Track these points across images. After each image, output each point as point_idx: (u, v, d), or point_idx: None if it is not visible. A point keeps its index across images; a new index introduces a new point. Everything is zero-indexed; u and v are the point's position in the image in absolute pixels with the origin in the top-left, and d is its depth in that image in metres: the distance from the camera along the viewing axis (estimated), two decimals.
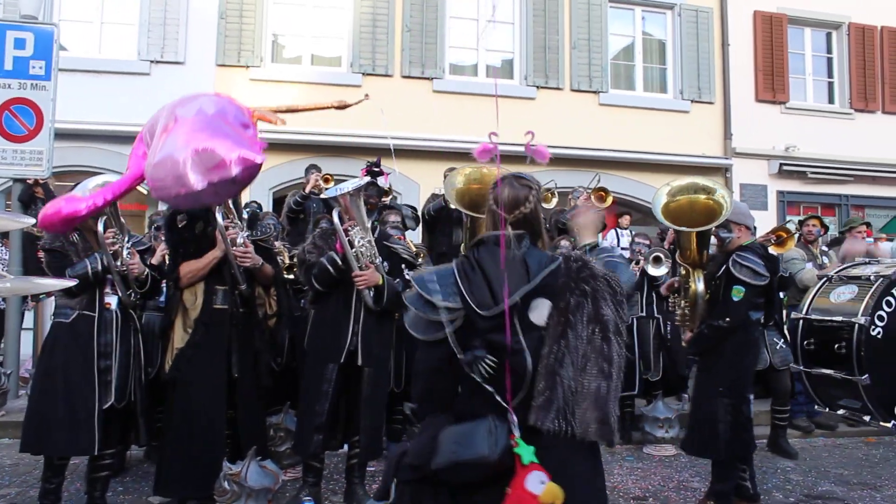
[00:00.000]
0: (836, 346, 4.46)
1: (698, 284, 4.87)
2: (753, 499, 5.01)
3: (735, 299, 4.70)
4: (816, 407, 5.24)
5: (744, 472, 4.97)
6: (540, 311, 2.33)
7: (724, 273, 4.80)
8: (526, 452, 2.20)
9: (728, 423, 4.66)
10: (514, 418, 2.26)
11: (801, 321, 4.85)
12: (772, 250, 6.89)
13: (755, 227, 7.51)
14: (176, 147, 3.13)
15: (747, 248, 4.88)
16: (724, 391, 4.70)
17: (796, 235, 7.40)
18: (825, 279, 5.03)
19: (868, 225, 8.40)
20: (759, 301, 4.94)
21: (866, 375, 4.23)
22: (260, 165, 2.91)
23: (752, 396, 4.98)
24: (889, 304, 4.36)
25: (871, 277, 4.54)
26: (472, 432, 2.24)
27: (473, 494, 2.28)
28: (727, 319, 4.70)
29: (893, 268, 4.59)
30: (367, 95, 3.45)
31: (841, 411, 4.80)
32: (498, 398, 2.26)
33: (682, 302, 5.06)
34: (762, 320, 5.16)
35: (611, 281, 2.38)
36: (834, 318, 4.60)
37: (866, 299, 4.40)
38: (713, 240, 5.05)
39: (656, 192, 4.92)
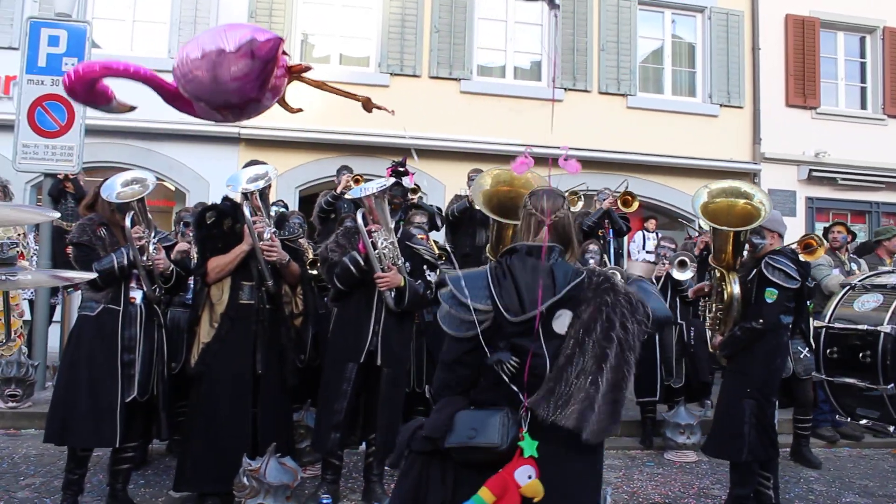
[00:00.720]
0: (861, 354, 4.40)
1: (734, 287, 4.87)
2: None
3: (768, 301, 4.71)
4: (838, 417, 5.15)
5: (767, 479, 4.92)
6: (562, 321, 2.50)
7: (755, 276, 4.81)
8: (528, 447, 2.42)
9: (752, 425, 4.65)
10: (527, 414, 2.46)
11: (824, 329, 4.80)
12: (801, 258, 6.82)
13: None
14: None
15: (780, 252, 4.90)
16: (752, 392, 4.70)
17: (826, 244, 7.30)
18: (848, 287, 4.98)
19: None
20: (790, 305, 4.93)
21: (892, 385, 4.17)
22: (279, 40, 2.82)
23: (776, 401, 4.96)
24: None
25: None
26: (487, 420, 2.45)
27: (475, 474, 2.46)
28: (760, 321, 4.71)
29: None
30: (393, 112, 3.43)
31: (863, 421, 4.72)
32: (519, 395, 2.46)
33: (714, 305, 5.06)
34: (791, 325, 5.13)
35: (632, 298, 2.53)
36: (858, 327, 4.54)
37: (892, 308, 4.34)
38: (746, 245, 5.05)
39: (697, 190, 4.96)
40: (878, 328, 4.31)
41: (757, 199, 4.72)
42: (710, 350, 5.62)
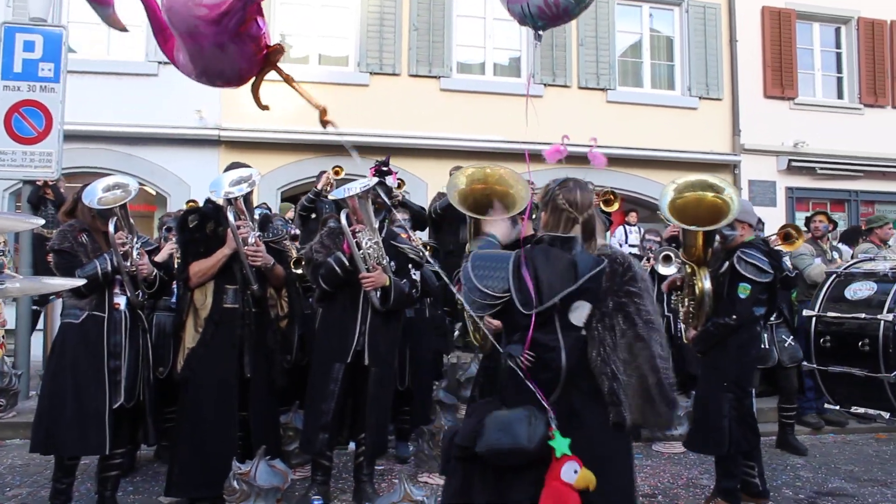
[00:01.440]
0: (860, 343, 4.40)
1: (705, 282, 4.84)
2: (762, 495, 4.99)
3: (742, 297, 4.69)
4: (827, 405, 5.16)
5: (752, 468, 4.96)
6: (580, 313, 2.51)
7: (727, 270, 4.79)
8: (560, 445, 2.38)
9: (732, 418, 4.66)
10: (552, 411, 2.45)
11: (814, 318, 4.79)
12: (780, 248, 6.86)
13: (763, 225, 7.51)
14: None
15: (751, 244, 4.86)
16: (728, 386, 4.71)
17: (805, 233, 7.35)
18: (834, 276, 4.97)
19: None
20: (763, 297, 4.91)
21: (894, 373, 4.18)
22: None
23: (753, 391, 4.98)
24: None
25: (890, 274, 4.48)
26: (513, 422, 2.44)
27: (514, 476, 2.46)
28: (734, 317, 4.69)
29: None
30: (336, 125, 3.42)
31: (854, 408, 4.74)
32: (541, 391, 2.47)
33: (686, 300, 5.04)
34: (765, 316, 5.11)
35: (647, 279, 2.60)
36: (856, 316, 4.53)
37: (890, 295, 4.34)
38: (717, 237, 5.03)
39: (664, 188, 4.89)
40: (878, 317, 4.30)
41: (726, 194, 4.66)
42: (686, 342, 5.63)
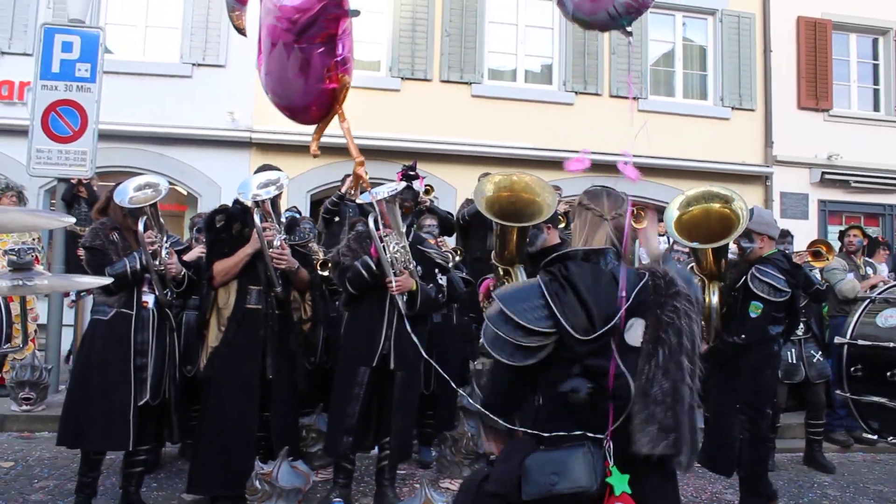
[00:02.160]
0: (889, 373, 4.26)
1: (713, 297, 4.71)
2: (771, 497, 4.89)
3: (752, 316, 4.58)
4: (865, 434, 4.98)
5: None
6: (635, 331, 2.23)
7: (742, 286, 4.66)
8: (620, 483, 2.11)
9: (746, 441, 4.56)
10: (611, 445, 2.16)
11: (846, 346, 4.65)
12: (810, 264, 6.76)
13: (792, 238, 7.40)
14: None
15: (768, 260, 4.72)
16: (741, 407, 4.60)
17: (837, 249, 7.24)
18: (869, 301, 4.82)
19: None
20: (780, 316, 4.79)
21: None
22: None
23: (770, 411, 4.86)
24: None
25: None
26: (569, 460, 2.13)
27: None
28: (742, 336, 4.59)
29: None
30: (369, 186, 3.40)
31: (892, 439, 4.58)
32: (602, 424, 2.17)
33: None
34: (784, 334, 4.98)
35: (692, 297, 2.30)
36: (885, 344, 4.39)
37: None
38: (733, 247, 4.91)
39: (668, 205, 4.73)
40: None
41: (735, 204, 4.46)
42: None
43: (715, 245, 4.47)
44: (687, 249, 7.18)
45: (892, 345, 4.32)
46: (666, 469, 2.22)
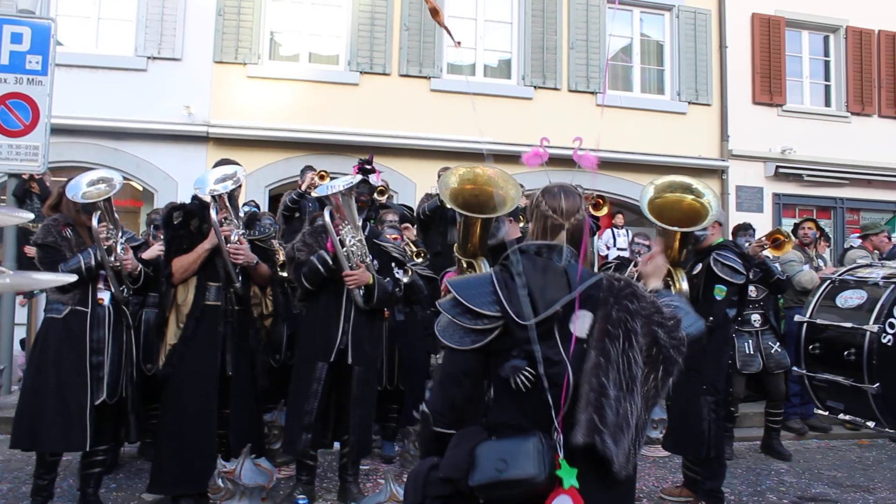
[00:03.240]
0: (846, 352, 4.36)
1: (683, 284, 4.80)
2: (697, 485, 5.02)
3: (718, 298, 4.71)
4: (816, 410, 5.11)
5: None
6: (582, 323, 2.23)
7: (702, 271, 4.79)
8: (568, 476, 2.10)
9: (712, 420, 4.67)
10: (561, 437, 2.15)
11: (805, 324, 4.76)
12: (769, 253, 6.89)
13: (753, 231, 7.54)
14: None
15: (724, 246, 4.89)
16: (707, 388, 4.72)
17: (794, 240, 7.38)
18: (829, 281, 4.95)
19: (893, 231, 8.38)
20: (734, 299, 4.96)
21: (877, 384, 4.14)
22: None
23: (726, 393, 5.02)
24: None
25: (880, 283, 4.44)
26: (518, 449, 2.13)
27: None
28: (711, 319, 4.67)
29: None
30: (458, 43, 3.23)
31: (841, 416, 4.70)
32: (553, 413, 2.15)
33: None
34: (735, 318, 5.19)
35: (664, 311, 2.28)
36: (843, 324, 4.49)
37: (878, 306, 4.30)
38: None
39: (644, 186, 4.83)
40: (864, 326, 4.26)
41: (706, 199, 4.61)
42: None
43: (688, 229, 4.56)
44: (647, 242, 7.27)
45: (849, 325, 4.41)
46: (615, 473, 2.16)
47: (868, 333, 4.25)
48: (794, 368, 4.82)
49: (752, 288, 6.48)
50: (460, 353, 2.32)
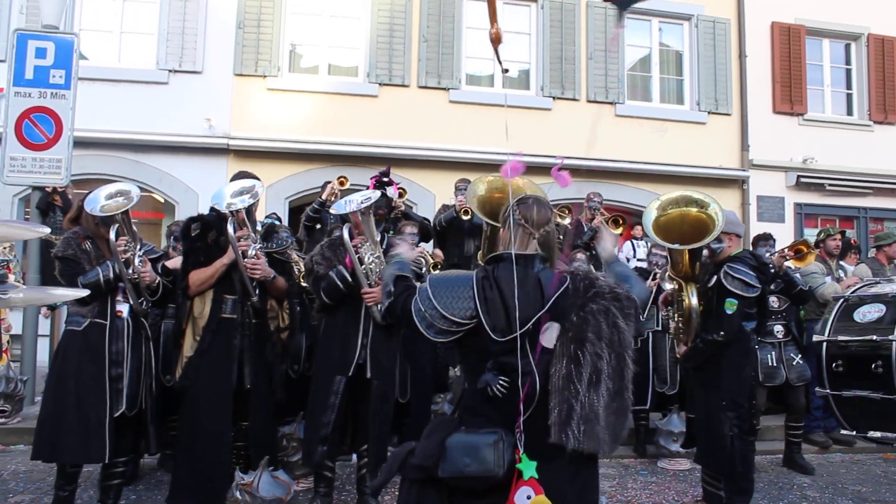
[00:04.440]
0: (873, 365, 4.30)
1: (692, 298, 4.81)
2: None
3: (728, 312, 4.67)
4: (843, 431, 5.02)
5: (718, 480, 4.91)
6: (550, 334, 2.44)
7: (715, 285, 4.76)
8: (528, 468, 2.34)
9: (736, 436, 4.64)
10: (522, 435, 2.39)
11: (825, 343, 4.70)
12: (791, 264, 6.83)
13: (774, 241, 7.48)
14: None
15: (738, 258, 4.83)
16: (727, 404, 4.68)
17: (816, 250, 7.31)
18: (842, 300, 4.89)
19: None
20: (752, 311, 4.91)
21: None
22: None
23: (750, 407, 4.96)
24: None
25: None
26: (481, 446, 2.37)
27: (476, 500, 2.42)
28: (722, 333, 4.67)
29: None
30: (506, 71, 3.26)
31: (871, 433, 4.61)
32: (515, 414, 2.40)
33: (676, 315, 5.01)
34: (755, 330, 5.11)
35: (619, 295, 2.51)
36: (866, 338, 4.44)
37: None
38: (704, 251, 4.99)
39: (646, 208, 4.86)
40: (890, 337, 4.20)
41: (711, 209, 4.61)
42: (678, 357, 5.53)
43: (693, 246, 4.55)
44: (665, 253, 7.23)
45: (874, 337, 4.35)
46: (581, 456, 2.42)
47: (894, 344, 4.20)
48: (818, 390, 4.74)
49: (773, 299, 6.42)
50: (427, 339, 2.55)
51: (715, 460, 4.80)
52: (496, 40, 2.84)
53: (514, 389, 2.41)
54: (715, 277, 4.76)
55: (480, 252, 4.39)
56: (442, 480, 2.44)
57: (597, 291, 2.48)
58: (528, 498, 2.31)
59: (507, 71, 3.09)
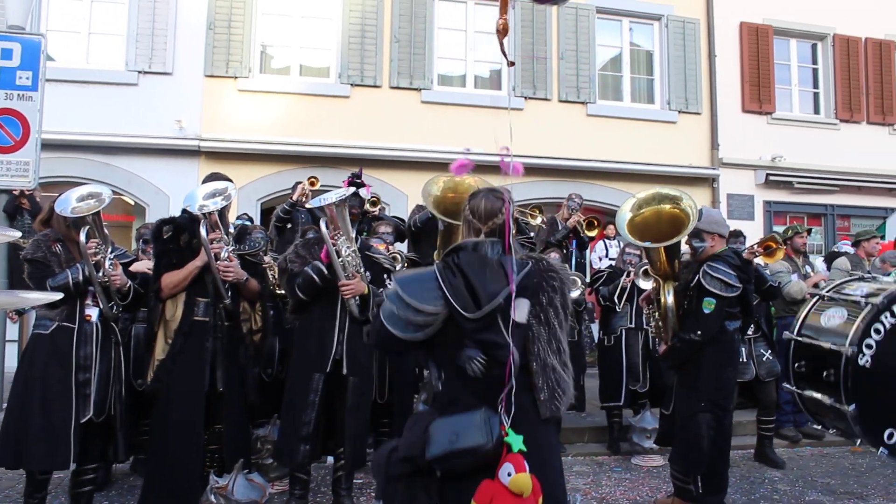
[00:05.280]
0: (825, 373, 4.31)
1: (668, 297, 4.81)
2: (697, 501, 4.97)
3: (706, 311, 4.64)
4: (811, 423, 5.03)
5: (688, 476, 4.95)
6: (521, 310, 2.52)
7: (696, 284, 4.73)
8: (515, 441, 2.38)
9: (711, 438, 4.63)
10: (504, 409, 2.44)
11: (792, 341, 4.72)
12: (761, 260, 6.91)
13: (744, 238, 7.57)
14: None
15: (719, 257, 4.78)
16: (705, 405, 4.67)
17: (784, 246, 7.40)
18: (817, 297, 4.87)
19: (883, 237, 8.39)
20: (734, 311, 4.86)
21: (853, 406, 4.09)
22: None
23: (732, 407, 4.95)
24: (878, 331, 4.16)
25: (861, 302, 4.39)
26: (467, 423, 2.41)
27: (464, 482, 2.42)
28: (699, 333, 4.65)
29: (884, 291, 4.45)
30: (511, 63, 3.23)
31: (832, 430, 4.65)
32: (502, 389, 2.46)
33: (656, 314, 5.02)
34: (740, 329, 5.05)
35: (561, 273, 2.68)
36: (822, 344, 4.39)
37: (854, 326, 4.18)
38: (686, 248, 5.00)
39: (620, 208, 4.87)
40: (840, 349, 4.22)
41: (684, 203, 4.63)
42: (650, 356, 5.55)
43: (666, 243, 4.58)
44: (638, 252, 7.30)
45: (827, 345, 4.35)
46: (555, 420, 2.64)
47: (844, 355, 4.18)
48: (785, 385, 4.77)
49: None
50: (401, 340, 2.55)
51: (688, 460, 4.81)
52: (503, 31, 2.79)
53: (492, 366, 2.46)
54: (696, 277, 4.73)
55: (437, 251, 4.41)
56: (430, 472, 2.46)
57: (553, 269, 2.64)
58: (509, 475, 2.34)
59: (512, 64, 3.10)
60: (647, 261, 6.98)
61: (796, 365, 4.61)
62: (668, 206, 4.70)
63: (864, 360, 4.12)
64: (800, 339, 4.57)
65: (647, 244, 4.65)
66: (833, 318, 4.48)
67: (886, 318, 4.18)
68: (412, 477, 2.50)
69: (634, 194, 4.91)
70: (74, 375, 4.21)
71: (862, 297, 4.40)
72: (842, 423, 4.33)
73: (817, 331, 4.53)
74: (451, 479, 2.45)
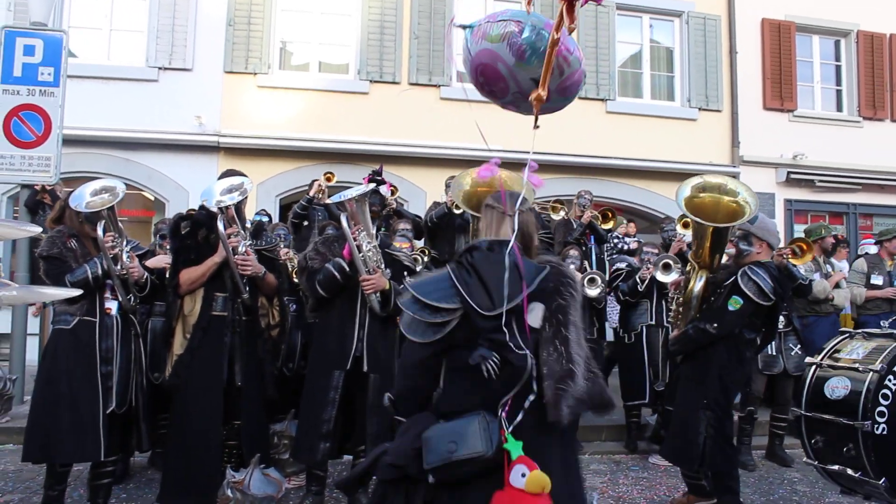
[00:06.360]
0: (845, 449, 4.19)
1: (698, 283, 4.78)
2: (711, 495, 4.90)
3: (730, 308, 4.59)
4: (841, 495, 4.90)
5: (698, 472, 4.89)
6: (536, 314, 2.47)
7: (730, 283, 4.67)
8: (515, 448, 2.32)
9: (711, 437, 4.57)
10: (505, 414, 2.39)
11: (802, 417, 4.54)
12: (790, 262, 6.85)
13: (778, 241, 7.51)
14: None
15: (762, 265, 4.71)
16: (707, 404, 4.62)
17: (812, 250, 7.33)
18: (815, 367, 4.67)
19: None
20: (757, 322, 4.78)
21: (883, 480, 3.95)
22: None
23: (733, 413, 4.88)
24: (886, 396, 4.08)
25: (860, 367, 4.26)
26: (465, 430, 2.35)
27: (459, 490, 2.37)
28: (715, 325, 4.60)
29: (881, 351, 4.26)
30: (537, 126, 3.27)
31: (872, 500, 4.52)
32: (503, 395, 2.41)
33: (679, 298, 4.97)
34: (756, 342, 4.93)
35: (575, 278, 2.62)
36: (836, 420, 4.25)
37: (862, 397, 4.09)
38: (729, 249, 4.95)
39: (683, 183, 4.84)
40: (855, 424, 4.06)
41: (741, 197, 4.60)
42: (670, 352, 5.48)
43: (720, 225, 4.54)
44: (656, 249, 7.25)
45: (843, 421, 4.19)
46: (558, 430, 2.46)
47: (860, 431, 4.05)
48: (806, 459, 4.66)
49: None
50: (422, 346, 2.51)
51: (684, 456, 4.76)
52: (538, 101, 2.87)
53: (502, 366, 2.41)
54: (732, 277, 4.67)
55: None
56: (416, 480, 2.42)
57: (569, 277, 2.57)
58: (523, 476, 2.27)
59: (538, 127, 3.13)
60: (666, 255, 6.97)
61: (812, 441, 4.49)
62: (726, 199, 4.68)
63: (881, 429, 4.04)
64: (809, 415, 4.47)
65: (706, 223, 4.61)
66: (837, 389, 4.36)
67: (891, 381, 4.11)
68: (398, 483, 2.48)
69: (697, 177, 4.89)
70: (98, 368, 4.25)
71: (859, 361, 4.31)
72: (876, 492, 4.22)
73: (825, 405, 4.41)
74: (446, 486, 2.40)
